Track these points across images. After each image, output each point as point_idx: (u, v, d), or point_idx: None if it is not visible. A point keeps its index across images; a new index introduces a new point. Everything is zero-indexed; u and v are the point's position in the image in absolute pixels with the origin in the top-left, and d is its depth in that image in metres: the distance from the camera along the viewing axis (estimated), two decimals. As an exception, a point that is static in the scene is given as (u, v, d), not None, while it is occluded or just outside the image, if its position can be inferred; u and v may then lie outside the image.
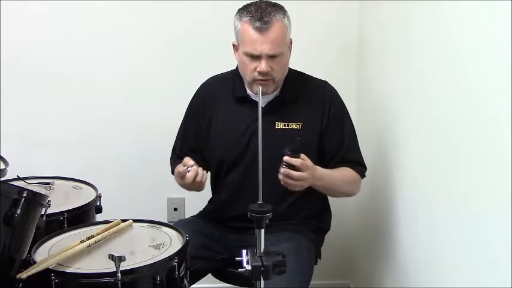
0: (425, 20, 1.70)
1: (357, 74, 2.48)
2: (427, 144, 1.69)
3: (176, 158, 2.00)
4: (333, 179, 1.85)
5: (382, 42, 2.18)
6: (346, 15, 2.44)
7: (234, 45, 1.87)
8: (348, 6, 2.43)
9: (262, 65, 1.75)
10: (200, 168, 1.78)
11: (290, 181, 1.69)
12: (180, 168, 1.81)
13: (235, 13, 1.83)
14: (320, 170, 1.80)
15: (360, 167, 1.92)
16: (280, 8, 1.79)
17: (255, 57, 1.76)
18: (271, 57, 1.76)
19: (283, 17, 1.78)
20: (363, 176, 1.94)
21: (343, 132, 1.89)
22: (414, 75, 1.80)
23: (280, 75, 1.82)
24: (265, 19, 1.73)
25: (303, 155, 1.70)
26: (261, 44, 1.73)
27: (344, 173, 1.89)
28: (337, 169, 1.88)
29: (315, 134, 1.87)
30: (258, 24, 1.73)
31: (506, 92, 1.19)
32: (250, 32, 1.74)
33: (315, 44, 2.43)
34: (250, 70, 1.79)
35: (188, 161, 1.80)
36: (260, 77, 1.77)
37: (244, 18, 1.77)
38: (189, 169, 1.77)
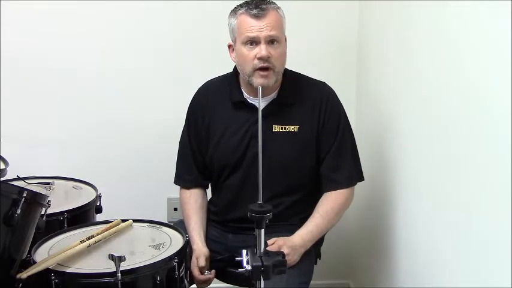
0: (425, 20, 1.70)
1: (356, 74, 2.48)
2: (427, 144, 1.69)
3: (185, 167, 1.99)
4: (318, 229, 1.84)
5: (382, 42, 2.17)
6: (346, 15, 2.44)
7: (229, 46, 1.87)
8: (348, 6, 2.43)
9: (262, 50, 1.75)
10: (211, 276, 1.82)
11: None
12: (195, 271, 1.80)
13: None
14: (299, 237, 1.79)
15: (346, 182, 1.88)
16: (274, 3, 1.82)
17: (254, 45, 1.76)
18: (270, 42, 1.76)
19: (278, 9, 1.81)
20: (352, 184, 1.92)
21: (337, 133, 1.88)
22: (414, 75, 1.80)
23: (279, 66, 1.80)
24: (262, 6, 1.77)
25: (270, 241, 1.72)
26: (259, 27, 1.75)
27: (326, 211, 1.85)
28: (317, 211, 1.85)
29: (312, 136, 1.87)
30: (255, 11, 1.76)
31: (506, 92, 1.19)
32: (248, 20, 1.76)
33: (314, 44, 2.42)
34: (250, 59, 1.77)
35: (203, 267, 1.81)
36: (261, 64, 1.76)
37: (240, 11, 1.79)
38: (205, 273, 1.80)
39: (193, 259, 1.80)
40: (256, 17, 1.75)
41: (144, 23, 2.40)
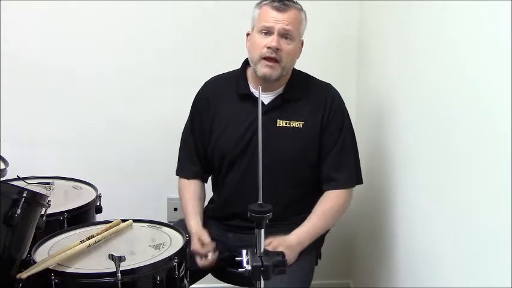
0: (426, 19, 1.70)
1: (357, 73, 2.48)
2: (426, 144, 1.69)
3: (187, 158, 2.01)
4: (315, 228, 1.84)
5: (382, 42, 2.18)
6: (347, 14, 2.44)
7: (247, 34, 1.90)
8: (349, 6, 2.43)
9: (273, 40, 1.78)
10: (214, 257, 1.82)
11: None
12: (197, 246, 1.81)
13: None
14: (295, 236, 1.80)
15: (345, 182, 1.89)
16: (300, 4, 1.86)
17: (267, 36, 1.80)
18: (283, 37, 1.80)
19: (301, 11, 1.85)
20: (352, 185, 1.92)
21: (340, 134, 1.89)
22: (414, 75, 1.80)
23: (287, 61, 1.82)
24: (285, 2, 1.82)
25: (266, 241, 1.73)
26: (276, 19, 1.79)
27: (323, 211, 1.86)
28: (315, 211, 1.86)
29: (316, 134, 1.88)
30: (277, 4, 1.81)
31: (506, 92, 1.19)
32: (269, 10, 1.81)
33: (315, 43, 2.40)
34: (260, 47, 1.80)
35: (208, 243, 1.82)
36: (268, 54, 1.79)
37: (264, 2, 1.84)
38: (208, 254, 1.80)
39: (194, 239, 1.81)
40: (277, 9, 1.80)
41: (144, 23, 2.40)
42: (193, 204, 1.94)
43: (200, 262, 1.82)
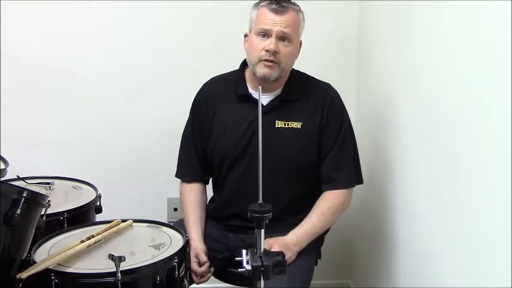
0: (426, 19, 1.70)
1: (356, 74, 2.48)
2: (426, 143, 1.69)
3: (187, 159, 2.00)
4: (313, 228, 1.84)
5: (382, 42, 2.18)
6: (347, 14, 2.44)
7: (245, 36, 1.90)
8: (349, 5, 2.43)
9: (271, 43, 1.78)
10: (209, 275, 1.85)
11: None
12: (194, 265, 1.81)
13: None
14: (293, 236, 1.80)
15: (345, 182, 1.89)
16: (298, 5, 1.86)
17: (266, 38, 1.80)
18: (281, 39, 1.79)
19: (299, 12, 1.85)
20: (351, 185, 1.92)
21: (339, 134, 1.89)
22: (414, 75, 1.80)
23: (285, 63, 1.82)
24: (283, 4, 1.81)
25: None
26: (274, 22, 1.79)
27: (322, 211, 1.85)
28: (314, 210, 1.85)
29: (315, 134, 1.88)
30: (275, 6, 1.80)
31: (506, 92, 1.19)
32: (266, 12, 1.80)
33: (315, 43, 2.41)
34: (259, 50, 1.80)
35: (203, 259, 1.83)
36: (267, 57, 1.79)
37: (262, 4, 1.83)
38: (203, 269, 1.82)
39: (192, 257, 1.81)
40: (275, 12, 1.79)
41: (144, 23, 2.40)
42: (195, 214, 1.93)
43: (196, 279, 1.82)
